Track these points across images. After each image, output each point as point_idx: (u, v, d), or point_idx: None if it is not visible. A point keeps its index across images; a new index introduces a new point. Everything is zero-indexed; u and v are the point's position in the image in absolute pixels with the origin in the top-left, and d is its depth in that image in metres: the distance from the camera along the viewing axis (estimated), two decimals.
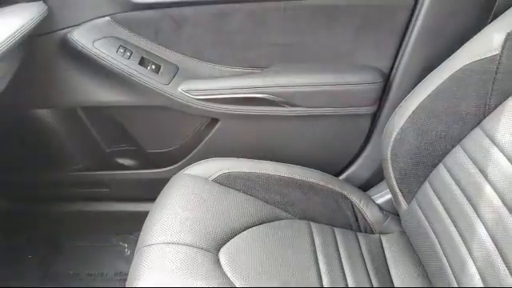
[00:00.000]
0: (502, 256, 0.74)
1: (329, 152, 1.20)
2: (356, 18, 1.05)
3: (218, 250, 0.86)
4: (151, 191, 1.08)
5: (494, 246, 0.76)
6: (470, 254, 0.81)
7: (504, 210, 0.76)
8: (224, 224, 0.91)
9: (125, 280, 0.94)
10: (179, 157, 1.24)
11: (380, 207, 1.11)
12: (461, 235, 0.84)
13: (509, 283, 0.71)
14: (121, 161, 1.30)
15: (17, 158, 1.28)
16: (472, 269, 0.80)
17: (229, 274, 0.81)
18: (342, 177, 1.24)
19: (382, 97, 1.14)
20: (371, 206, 1.09)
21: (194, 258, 0.81)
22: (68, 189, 1.33)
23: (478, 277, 0.78)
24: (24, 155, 1.27)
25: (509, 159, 0.79)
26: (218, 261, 0.84)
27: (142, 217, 1.01)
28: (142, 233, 0.91)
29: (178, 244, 0.83)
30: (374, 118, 1.17)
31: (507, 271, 0.73)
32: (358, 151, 1.21)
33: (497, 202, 0.78)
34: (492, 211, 0.78)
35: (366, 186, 1.21)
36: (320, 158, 1.18)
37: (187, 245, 0.83)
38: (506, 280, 0.72)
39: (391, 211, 1.10)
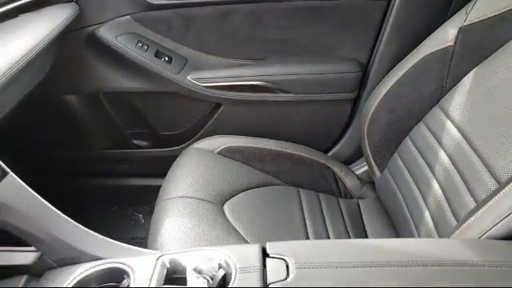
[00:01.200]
0: (448, 203, 0.91)
1: (316, 132, 1.38)
2: (337, 17, 1.24)
3: (223, 205, 1.04)
4: (163, 167, 1.25)
5: (444, 197, 0.94)
6: (427, 205, 0.98)
7: (452, 168, 0.93)
8: (227, 185, 1.09)
9: (140, 243, 1.09)
10: (187, 137, 1.41)
11: (358, 177, 1.28)
12: (420, 192, 1.02)
13: (454, 223, 0.88)
14: (137, 142, 1.48)
15: (47, 138, 1.45)
16: (427, 217, 0.97)
17: (231, 221, 0.99)
18: (328, 154, 1.41)
19: (361, 84, 1.32)
20: (350, 175, 1.27)
21: (203, 207, 0.98)
22: (91, 165, 1.50)
23: (431, 222, 0.95)
24: (54, 136, 1.44)
25: (457, 127, 0.96)
26: (222, 211, 1.01)
27: (155, 190, 1.17)
28: (160, 191, 1.08)
29: (190, 197, 1.01)
30: (355, 102, 1.34)
31: (453, 216, 0.90)
32: (341, 132, 1.39)
33: (447, 162, 0.95)
34: (443, 170, 0.96)
35: (348, 162, 1.38)
36: (308, 138, 1.36)
37: (197, 198, 1.01)
38: (452, 222, 0.89)
39: (367, 180, 1.28)
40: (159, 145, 1.46)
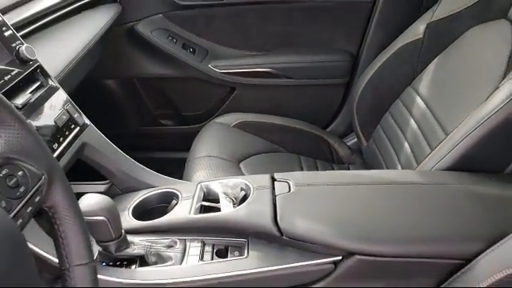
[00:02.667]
0: (414, 157, 1.16)
1: (315, 111, 1.63)
2: (331, 15, 1.51)
3: (239, 163, 1.30)
4: (186, 142, 1.50)
5: (411, 153, 1.19)
6: (399, 160, 1.24)
7: (418, 131, 1.19)
8: (241, 150, 1.35)
9: None
10: (206, 117, 1.67)
11: (349, 147, 1.54)
12: (395, 153, 1.27)
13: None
14: (163, 121, 1.75)
15: (88, 116, 1.71)
16: (400, 168, 1.22)
17: (245, 174, 1.25)
18: (327, 130, 1.67)
19: (352, 71, 1.58)
20: (342, 146, 1.53)
21: (224, 164, 1.25)
22: (124, 141, 1.75)
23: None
24: (93, 115, 1.70)
25: (423, 100, 1.22)
26: (239, 168, 1.28)
27: (179, 162, 1.42)
28: (189, 154, 1.34)
29: (214, 157, 1.27)
30: (347, 86, 1.60)
31: (416, 164, 1.15)
32: (335, 111, 1.65)
33: (415, 127, 1.21)
34: (412, 133, 1.22)
35: (342, 135, 1.64)
36: (308, 115, 1.61)
37: (219, 157, 1.27)
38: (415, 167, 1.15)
39: (356, 149, 1.54)
40: (182, 123, 1.72)
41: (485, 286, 0.67)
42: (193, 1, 1.52)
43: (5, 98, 0.48)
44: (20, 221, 0.48)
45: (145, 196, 0.93)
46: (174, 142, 1.73)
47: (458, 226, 0.77)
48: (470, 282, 0.70)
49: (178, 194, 0.92)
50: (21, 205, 0.48)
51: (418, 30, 1.32)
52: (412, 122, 1.24)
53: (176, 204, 0.91)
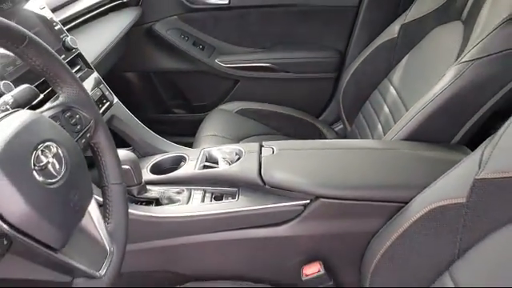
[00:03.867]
0: (384, 133, 1.38)
1: (309, 102, 1.85)
2: (322, 17, 1.73)
3: (238, 142, 1.53)
4: (195, 128, 1.72)
5: (382, 130, 1.40)
6: (373, 137, 1.45)
7: (389, 114, 1.40)
8: (242, 132, 1.57)
9: None
10: (213, 106, 1.89)
11: (336, 132, 1.76)
12: (371, 134, 1.49)
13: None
14: (176, 110, 1.98)
15: None
16: None
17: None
18: (319, 118, 1.89)
19: (341, 67, 1.80)
20: (330, 131, 1.75)
21: (226, 141, 1.47)
22: None
23: None
24: None
25: (395, 89, 1.43)
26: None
27: (189, 146, 1.64)
28: (197, 133, 1.57)
29: (217, 136, 1.50)
30: (336, 80, 1.82)
31: None
32: (327, 102, 1.87)
33: (387, 111, 1.42)
34: (384, 116, 1.43)
35: (331, 123, 1.86)
36: (302, 105, 1.83)
37: (222, 136, 1.50)
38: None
39: (342, 134, 1.76)
40: (192, 112, 1.96)
41: (415, 218, 0.88)
42: (203, 4, 1.76)
43: (67, 66, 0.72)
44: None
45: (160, 159, 1.16)
46: (184, 129, 1.96)
47: (401, 177, 0.98)
48: (406, 218, 0.90)
49: (186, 157, 1.15)
50: (78, 137, 0.71)
51: (393, 30, 1.54)
52: (385, 107, 1.46)
53: (184, 164, 1.14)
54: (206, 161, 1.14)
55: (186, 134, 1.96)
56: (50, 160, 0.58)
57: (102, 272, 0.65)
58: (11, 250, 0.54)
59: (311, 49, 1.79)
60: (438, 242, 0.84)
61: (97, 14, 1.50)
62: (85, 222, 0.66)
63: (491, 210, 0.77)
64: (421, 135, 1.12)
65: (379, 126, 1.43)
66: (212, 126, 1.59)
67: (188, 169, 1.10)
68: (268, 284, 1.01)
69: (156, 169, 1.13)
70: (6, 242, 0.52)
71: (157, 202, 1.02)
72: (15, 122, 0.58)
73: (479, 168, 0.78)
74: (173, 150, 1.23)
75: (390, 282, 0.91)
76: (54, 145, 0.60)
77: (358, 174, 1.00)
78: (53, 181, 0.57)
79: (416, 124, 1.12)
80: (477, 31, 1.14)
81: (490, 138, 0.83)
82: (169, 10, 1.75)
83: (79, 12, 1.35)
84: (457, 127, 1.11)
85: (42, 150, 0.57)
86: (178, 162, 1.16)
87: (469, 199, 0.79)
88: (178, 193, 1.04)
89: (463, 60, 1.09)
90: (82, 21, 1.38)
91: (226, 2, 1.74)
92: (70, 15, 1.28)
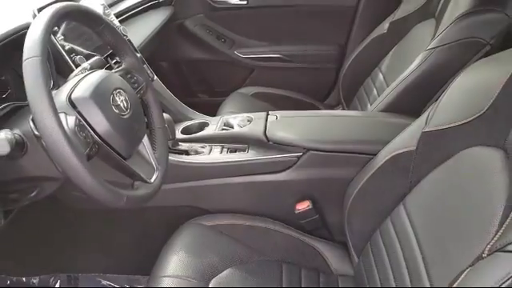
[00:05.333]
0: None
1: (314, 88, 2.13)
2: (325, 15, 2.01)
3: None
4: (216, 110, 2.02)
5: (370, 106, 1.67)
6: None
7: (375, 93, 1.67)
8: (256, 111, 1.86)
9: None
10: (232, 91, 2.18)
11: None
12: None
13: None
14: (200, 95, 2.29)
15: None
16: None
17: None
18: (324, 103, 2.17)
19: (341, 59, 2.07)
20: None
21: None
22: None
23: None
24: None
25: (382, 74, 1.70)
26: None
27: None
28: (217, 111, 1.87)
29: (235, 112, 1.79)
30: (337, 70, 2.10)
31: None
32: (329, 88, 2.15)
33: (375, 92, 1.69)
34: (373, 96, 1.70)
35: (334, 106, 2.12)
36: (309, 91, 2.11)
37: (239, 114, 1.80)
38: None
39: None
40: (214, 96, 2.26)
41: (380, 165, 1.14)
42: (226, 5, 2.07)
43: (129, 43, 1.02)
44: None
45: (188, 123, 1.46)
46: (207, 110, 2.25)
47: (371, 135, 1.26)
48: (373, 165, 1.17)
49: (209, 122, 1.45)
50: (136, 91, 1.01)
51: (384, 26, 1.81)
52: (374, 91, 1.72)
53: (207, 128, 1.43)
54: (224, 125, 1.43)
55: (209, 114, 2.27)
56: (121, 101, 0.88)
57: (152, 180, 0.94)
58: (98, 155, 0.83)
59: (316, 43, 2.08)
60: (395, 181, 1.10)
61: (138, 11, 1.82)
62: (141, 148, 0.97)
63: (431, 154, 1.03)
64: (395, 107, 1.39)
65: (368, 105, 1.70)
66: (230, 106, 1.88)
67: (210, 130, 1.40)
68: (269, 217, 1.29)
69: (186, 131, 1.43)
70: (96, 148, 0.82)
71: (186, 153, 1.32)
72: (98, 75, 0.88)
73: (425, 124, 1.05)
74: (199, 118, 1.53)
75: (361, 214, 1.18)
76: (123, 92, 0.90)
77: (340, 133, 1.28)
78: (123, 113, 0.88)
79: (391, 98, 1.40)
80: (441, 25, 1.40)
81: (436, 102, 1.10)
82: (197, 9, 2.07)
83: (125, 9, 1.66)
84: (423, 101, 1.37)
85: (116, 94, 0.88)
86: (202, 126, 1.46)
87: (417, 147, 1.05)
88: (202, 147, 1.34)
89: (428, 48, 1.36)
90: (127, 16, 1.69)
91: (245, 2, 2.04)
92: (119, 11, 1.59)
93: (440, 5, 1.52)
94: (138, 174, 0.91)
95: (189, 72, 2.22)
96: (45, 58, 0.73)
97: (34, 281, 1.45)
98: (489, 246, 0.72)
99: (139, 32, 1.68)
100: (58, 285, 1.44)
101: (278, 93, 2.02)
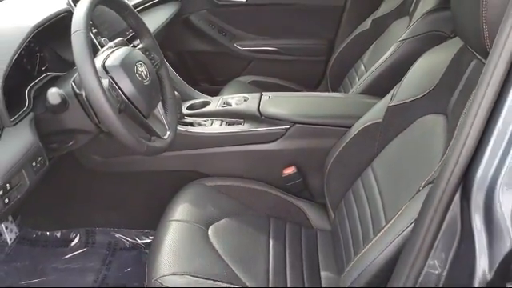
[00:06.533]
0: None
1: (306, 77, 2.34)
2: (316, 13, 2.24)
3: None
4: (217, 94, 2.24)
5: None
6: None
7: (357, 81, 1.89)
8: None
9: None
10: (231, 77, 2.39)
11: None
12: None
13: None
14: (202, 84, 2.50)
15: None
16: None
17: None
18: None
19: (331, 52, 2.29)
20: None
21: None
22: None
23: None
24: None
25: (363, 63, 1.92)
26: None
27: None
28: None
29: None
30: (326, 62, 2.31)
31: None
32: (320, 78, 2.37)
33: (357, 79, 1.91)
34: (355, 82, 1.92)
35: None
36: (302, 81, 2.32)
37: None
38: None
39: None
40: (214, 84, 2.47)
41: (353, 135, 1.36)
42: (227, 2, 2.29)
43: (147, 27, 1.24)
44: None
45: (193, 101, 1.68)
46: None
47: (348, 111, 1.48)
48: (348, 136, 1.37)
49: (210, 101, 1.67)
50: (153, 66, 1.22)
51: (367, 23, 2.03)
52: (356, 79, 1.94)
53: (208, 105, 1.65)
54: (223, 104, 1.65)
55: None
56: (142, 71, 1.10)
57: (165, 137, 1.16)
58: (125, 112, 1.05)
59: (308, 37, 2.30)
60: (365, 148, 1.32)
61: (148, 5, 2.04)
62: (156, 112, 1.19)
63: (394, 124, 1.25)
64: (370, 90, 1.62)
65: (350, 91, 1.92)
66: (229, 91, 2.10)
67: (211, 107, 1.61)
68: (260, 181, 1.51)
69: (190, 108, 1.65)
70: (123, 106, 1.04)
71: (191, 125, 1.54)
72: (124, 49, 1.11)
73: (391, 99, 1.27)
74: (202, 97, 1.75)
75: (338, 176, 1.40)
76: (143, 64, 1.12)
77: (322, 110, 1.51)
78: (144, 81, 1.09)
79: (367, 82, 1.63)
80: (412, 21, 1.63)
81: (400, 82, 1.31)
82: (201, 5, 2.29)
83: (137, 3, 1.88)
84: (394, 84, 1.57)
85: (139, 65, 1.10)
86: (205, 104, 1.67)
87: (383, 119, 1.27)
88: (205, 121, 1.56)
89: (399, 39, 1.58)
90: (139, 10, 1.91)
91: (245, 0, 2.27)
92: (132, 4, 1.80)
93: (413, 4, 1.74)
94: (154, 131, 1.13)
95: (192, 62, 2.44)
96: (88, 31, 0.95)
97: (57, 234, 1.66)
98: (424, 182, 0.93)
99: (149, 24, 1.88)
100: (77, 238, 1.65)
101: (273, 81, 2.23)
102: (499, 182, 0.65)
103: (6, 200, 0.94)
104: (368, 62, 1.91)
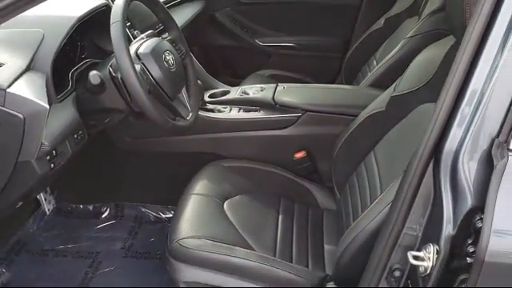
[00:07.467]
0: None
1: (322, 73, 2.45)
2: (333, 11, 2.36)
3: None
4: None
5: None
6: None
7: (369, 74, 2.01)
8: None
9: None
10: (252, 70, 2.52)
11: None
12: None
13: None
14: (224, 76, 2.64)
15: None
16: None
17: None
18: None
19: (347, 49, 2.41)
20: None
21: None
22: None
23: None
24: None
25: (376, 61, 2.03)
26: None
27: None
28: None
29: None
30: (342, 58, 2.43)
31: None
32: (335, 74, 2.48)
33: (369, 73, 2.03)
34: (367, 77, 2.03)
35: None
36: (318, 76, 2.44)
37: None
38: None
39: None
40: (236, 77, 2.61)
41: (359, 123, 1.48)
42: (250, 0, 2.43)
43: (175, 21, 1.39)
44: None
45: (214, 90, 1.83)
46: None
47: (355, 101, 1.60)
48: (354, 123, 1.49)
49: (230, 90, 1.81)
50: (177, 56, 1.37)
51: (381, 22, 2.14)
52: (369, 73, 2.05)
53: (228, 94, 1.80)
54: (241, 93, 1.79)
55: None
56: (169, 59, 1.25)
57: (188, 118, 1.31)
58: (154, 94, 1.20)
59: (325, 35, 2.43)
60: (369, 134, 1.44)
61: (176, 3, 2.20)
62: (180, 96, 1.34)
63: (395, 112, 1.36)
64: (378, 83, 1.73)
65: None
66: (249, 84, 2.23)
67: (230, 96, 1.76)
68: (273, 163, 1.64)
69: (211, 96, 1.79)
70: (152, 88, 1.19)
71: (211, 111, 1.68)
72: (155, 40, 1.27)
73: (394, 90, 1.39)
74: (222, 87, 1.89)
75: (344, 160, 1.52)
76: (171, 53, 1.27)
77: (331, 100, 1.64)
78: (171, 68, 1.25)
79: (376, 76, 1.75)
80: (420, 19, 1.74)
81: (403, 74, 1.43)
82: (225, 3, 2.45)
83: (165, 0, 2.03)
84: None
85: (166, 53, 1.25)
86: (225, 93, 1.82)
87: (386, 108, 1.39)
88: (224, 108, 1.71)
89: (406, 37, 1.69)
90: (168, 6, 2.07)
91: None
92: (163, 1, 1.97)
93: (423, 4, 1.85)
94: (178, 112, 1.28)
95: (216, 56, 2.60)
96: (124, 22, 1.11)
97: (89, 207, 1.84)
98: None
99: (176, 19, 2.04)
100: (107, 211, 1.83)
101: (291, 75, 2.36)
102: (462, 151, 0.77)
103: (52, 165, 1.11)
104: (379, 58, 2.02)
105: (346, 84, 2.26)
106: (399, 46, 1.71)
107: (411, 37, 1.67)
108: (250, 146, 1.67)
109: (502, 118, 0.74)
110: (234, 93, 1.78)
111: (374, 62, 2.05)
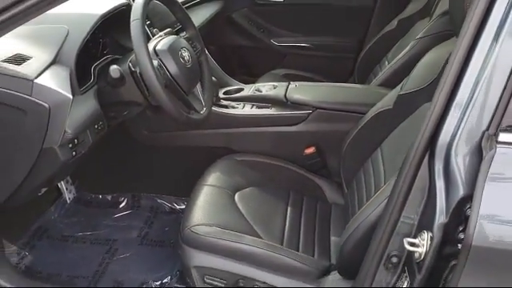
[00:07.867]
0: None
1: (335, 73, 2.50)
2: (347, 13, 2.40)
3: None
4: None
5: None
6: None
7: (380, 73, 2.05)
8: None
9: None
10: (267, 70, 2.58)
11: None
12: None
13: None
14: (240, 74, 2.71)
15: None
16: None
17: None
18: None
19: (360, 50, 2.45)
20: None
21: None
22: None
23: None
24: None
25: (387, 61, 2.07)
26: None
27: None
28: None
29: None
30: (355, 60, 2.47)
31: None
32: (348, 74, 2.52)
33: (380, 72, 2.07)
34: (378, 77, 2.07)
35: None
36: (332, 76, 2.48)
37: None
38: None
39: None
40: (251, 76, 2.68)
41: (367, 120, 1.52)
42: (266, 1, 2.50)
43: (192, 20, 1.46)
44: None
45: (229, 88, 1.89)
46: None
47: (364, 100, 1.65)
48: (363, 120, 1.52)
49: (244, 88, 1.88)
50: (193, 53, 1.44)
51: (393, 23, 2.17)
52: (380, 73, 2.09)
53: (242, 91, 1.86)
54: (255, 90, 1.85)
55: None
56: (185, 55, 1.32)
57: (202, 112, 1.38)
58: (170, 88, 1.27)
59: (339, 35, 2.47)
60: (377, 131, 1.48)
61: (194, 3, 2.28)
62: (195, 91, 1.41)
63: (402, 110, 1.41)
64: (388, 82, 1.77)
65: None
66: (263, 82, 2.30)
67: (244, 93, 1.82)
68: (284, 158, 1.70)
69: (226, 93, 1.86)
70: (168, 83, 1.26)
71: (225, 107, 1.75)
72: (172, 37, 1.33)
73: (401, 89, 1.43)
74: (236, 85, 1.96)
75: (352, 156, 1.57)
76: (187, 50, 1.34)
77: (341, 98, 1.68)
78: (187, 64, 1.32)
79: (385, 76, 1.79)
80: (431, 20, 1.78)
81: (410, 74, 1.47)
82: (242, 4, 2.52)
83: (184, 1, 2.11)
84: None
85: (183, 50, 1.32)
86: (239, 90, 1.88)
87: (393, 106, 1.43)
88: (238, 104, 1.77)
89: (416, 37, 1.73)
90: (185, 7, 2.14)
91: (282, 0, 2.47)
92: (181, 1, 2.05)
93: (434, 5, 1.88)
94: (192, 106, 1.35)
95: (232, 55, 2.67)
96: (144, 20, 1.18)
97: (108, 197, 1.92)
98: None
99: (194, 20, 2.12)
100: (125, 201, 1.91)
101: (305, 75, 2.41)
102: (455, 143, 0.82)
103: (74, 153, 1.19)
104: (391, 58, 2.05)
105: (359, 83, 2.31)
106: (409, 46, 1.75)
107: (421, 38, 1.71)
108: (261, 142, 1.73)
109: (492, 112, 0.79)
110: (248, 90, 1.84)
111: (386, 63, 2.09)
